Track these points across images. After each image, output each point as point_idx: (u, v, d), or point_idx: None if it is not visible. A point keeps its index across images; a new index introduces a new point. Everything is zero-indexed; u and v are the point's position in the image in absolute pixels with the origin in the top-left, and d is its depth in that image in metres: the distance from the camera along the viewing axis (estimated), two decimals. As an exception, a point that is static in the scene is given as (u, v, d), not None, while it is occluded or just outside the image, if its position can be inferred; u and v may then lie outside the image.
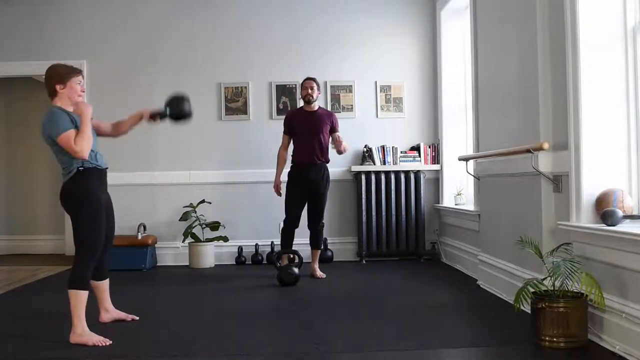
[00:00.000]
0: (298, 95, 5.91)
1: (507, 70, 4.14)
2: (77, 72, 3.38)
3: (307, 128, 5.11)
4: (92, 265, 3.29)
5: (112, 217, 3.54)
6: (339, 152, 5.15)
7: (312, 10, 6.24)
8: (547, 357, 2.86)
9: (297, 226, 5.19)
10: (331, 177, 5.96)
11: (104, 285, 3.60)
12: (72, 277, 3.22)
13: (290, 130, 5.22)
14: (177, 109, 3.62)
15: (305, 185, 5.13)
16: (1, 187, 7.51)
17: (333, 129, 5.21)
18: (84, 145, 3.19)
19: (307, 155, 5.10)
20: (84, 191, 3.27)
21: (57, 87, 3.30)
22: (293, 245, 5.39)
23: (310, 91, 5.12)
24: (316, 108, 5.19)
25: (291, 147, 5.27)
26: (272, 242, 5.99)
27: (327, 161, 5.22)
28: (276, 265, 4.98)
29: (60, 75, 3.31)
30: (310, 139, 5.10)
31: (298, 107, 5.53)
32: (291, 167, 5.23)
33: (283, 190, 5.22)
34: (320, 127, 5.13)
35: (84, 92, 3.42)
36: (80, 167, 3.26)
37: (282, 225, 5.23)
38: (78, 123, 3.27)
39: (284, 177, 5.23)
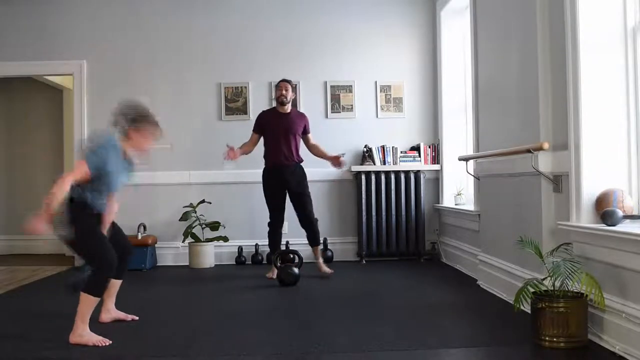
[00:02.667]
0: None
1: (507, 70, 4.14)
2: (156, 129, 3.38)
3: (280, 129, 5.12)
4: (111, 276, 3.30)
5: (117, 227, 3.58)
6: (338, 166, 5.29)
7: (312, 11, 6.24)
8: (547, 357, 2.86)
9: (282, 226, 5.24)
10: (331, 177, 5.98)
11: (117, 284, 3.60)
12: (91, 283, 3.20)
13: (260, 130, 5.22)
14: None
15: (281, 186, 5.15)
16: (1, 187, 7.51)
17: (305, 131, 5.26)
18: (61, 187, 3.07)
19: (280, 157, 5.11)
20: (76, 214, 3.24)
21: (132, 131, 3.30)
22: (293, 246, 5.39)
23: (284, 92, 5.13)
24: (289, 110, 5.20)
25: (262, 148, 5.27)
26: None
27: (301, 161, 5.23)
28: (276, 265, 4.98)
29: (144, 123, 3.30)
30: (283, 141, 5.11)
31: (271, 107, 5.51)
32: (264, 169, 5.23)
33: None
34: (294, 129, 5.15)
35: (149, 147, 3.40)
36: (88, 196, 3.24)
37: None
38: (112, 168, 3.24)
39: (257, 178, 5.27)
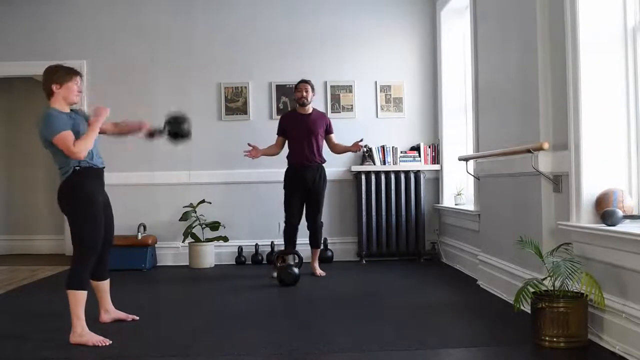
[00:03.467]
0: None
1: (507, 71, 4.14)
2: (75, 73, 3.38)
3: (302, 130, 5.14)
4: (91, 266, 3.28)
5: (111, 217, 3.54)
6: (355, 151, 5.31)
7: (312, 11, 6.24)
8: (547, 357, 2.86)
9: (298, 227, 5.23)
10: (331, 177, 5.97)
11: (105, 285, 3.60)
12: (70, 277, 3.22)
13: (283, 133, 5.25)
14: (176, 129, 3.61)
15: (302, 187, 5.17)
16: (1, 187, 7.51)
17: (328, 131, 5.27)
18: (84, 147, 3.20)
19: (303, 158, 5.14)
20: (80, 191, 3.27)
21: (54, 87, 3.30)
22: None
23: (305, 94, 5.15)
24: (310, 110, 5.22)
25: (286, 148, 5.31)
26: (272, 242, 5.99)
27: (323, 162, 5.24)
28: (276, 265, 4.98)
29: (57, 75, 3.31)
30: (305, 142, 5.14)
31: (291, 109, 5.55)
32: (287, 168, 5.26)
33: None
34: (315, 130, 5.16)
35: (80, 92, 3.41)
36: (77, 166, 3.26)
37: (282, 225, 5.25)
38: (75, 124, 3.28)
39: (278, 177, 5.27)
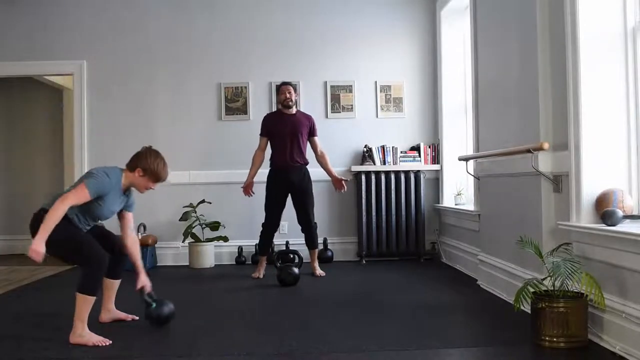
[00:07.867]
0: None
1: (507, 70, 4.14)
2: (161, 180, 3.45)
3: (286, 131, 5.11)
4: (103, 275, 3.31)
5: (102, 226, 3.61)
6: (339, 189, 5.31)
7: (312, 11, 6.24)
8: (547, 357, 2.86)
9: (276, 230, 5.23)
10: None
11: (115, 284, 3.61)
12: (83, 283, 3.21)
13: (267, 133, 5.21)
14: (158, 311, 3.50)
15: (285, 189, 5.15)
16: (1, 187, 7.51)
17: (312, 133, 5.23)
18: (57, 212, 3.12)
19: (286, 159, 5.11)
20: (61, 229, 3.22)
21: (138, 170, 3.37)
22: (293, 246, 5.37)
23: (288, 95, 5.12)
24: (294, 111, 5.19)
25: (269, 150, 5.28)
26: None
27: (306, 163, 5.22)
28: (276, 265, 4.98)
29: (148, 166, 3.36)
30: (289, 142, 5.11)
31: (276, 109, 5.50)
32: (270, 170, 5.22)
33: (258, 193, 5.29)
34: (300, 130, 5.14)
35: (148, 189, 3.49)
36: (75, 217, 3.29)
37: (261, 228, 5.25)
38: (112, 198, 3.32)
39: (262, 179, 5.26)
